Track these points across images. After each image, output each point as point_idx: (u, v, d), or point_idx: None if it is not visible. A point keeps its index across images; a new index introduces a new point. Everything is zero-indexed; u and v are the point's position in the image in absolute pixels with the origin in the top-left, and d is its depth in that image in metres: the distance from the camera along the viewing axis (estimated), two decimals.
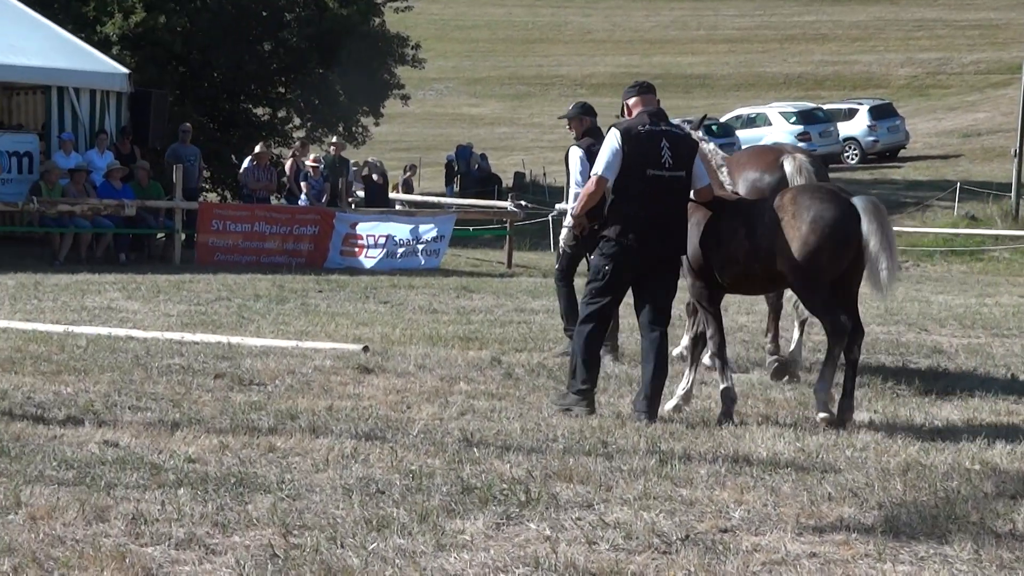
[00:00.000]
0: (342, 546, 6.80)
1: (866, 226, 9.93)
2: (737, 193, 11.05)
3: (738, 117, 53.61)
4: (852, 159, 52.98)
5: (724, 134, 50.88)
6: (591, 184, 10.59)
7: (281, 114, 39.14)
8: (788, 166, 11.87)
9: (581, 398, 10.59)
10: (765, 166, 12.23)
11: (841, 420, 10.21)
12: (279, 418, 9.99)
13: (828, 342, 10.40)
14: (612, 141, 10.46)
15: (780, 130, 51.64)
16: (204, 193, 35.55)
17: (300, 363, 12.58)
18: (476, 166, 50.27)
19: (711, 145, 11.06)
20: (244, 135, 36.44)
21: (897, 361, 13.95)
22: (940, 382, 12.47)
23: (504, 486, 8.00)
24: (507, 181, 49.51)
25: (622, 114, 11.08)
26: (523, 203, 34.69)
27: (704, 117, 12.07)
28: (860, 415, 10.64)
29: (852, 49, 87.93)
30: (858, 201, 10.08)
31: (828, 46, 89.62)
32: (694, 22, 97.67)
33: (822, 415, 10.28)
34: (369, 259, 25.89)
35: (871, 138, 53.02)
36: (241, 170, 29.36)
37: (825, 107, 55.00)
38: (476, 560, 6.64)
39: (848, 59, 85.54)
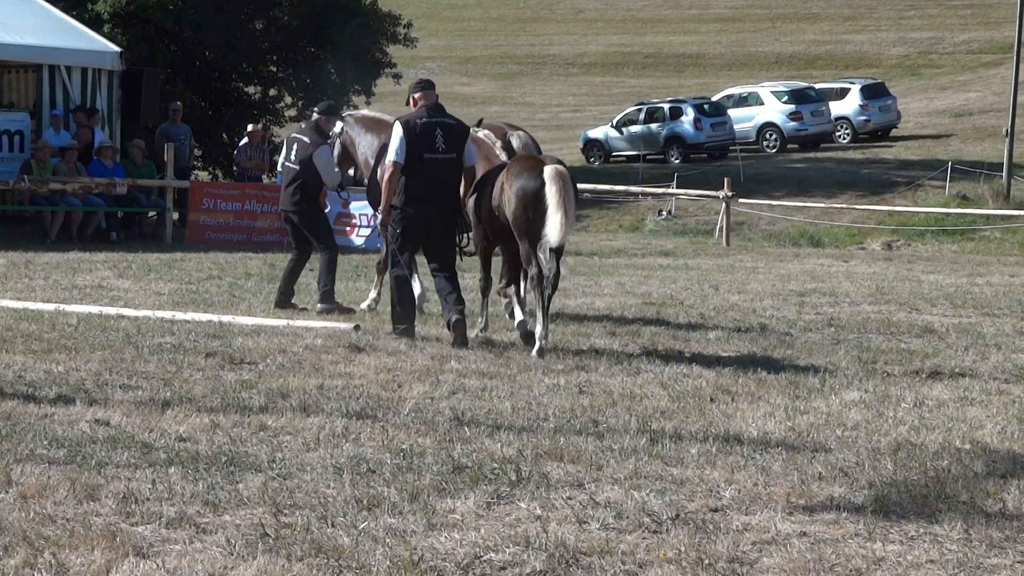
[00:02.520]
0: (333, 525, 6.81)
1: (547, 188, 12.30)
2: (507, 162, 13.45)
3: (730, 96, 53.53)
4: (844, 139, 52.94)
5: (716, 113, 50.88)
6: (389, 168, 12.98)
7: (272, 93, 39.06)
8: (515, 142, 14.32)
9: (406, 335, 13.02)
10: (497, 137, 14.32)
11: (529, 338, 12.68)
12: (270, 397, 9.99)
13: (529, 285, 12.79)
14: (397, 132, 12.98)
15: (772, 109, 51.61)
16: (195, 172, 35.54)
17: (291, 342, 12.58)
18: None
19: (485, 132, 14.23)
20: (235, 114, 36.38)
21: (888, 340, 13.97)
22: (931, 361, 12.49)
23: (495, 465, 8.01)
24: None
25: (409, 105, 13.44)
26: None
27: (480, 120, 15.00)
28: (851, 394, 10.67)
29: (844, 28, 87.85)
30: (546, 170, 12.47)
31: (820, 25, 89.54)
32: (686, 1, 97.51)
33: (537, 341, 12.42)
34: (360, 237, 25.90)
35: (863, 117, 52.96)
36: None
37: (817, 86, 54.91)
38: (467, 539, 6.65)
39: (840, 38, 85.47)
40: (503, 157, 13.74)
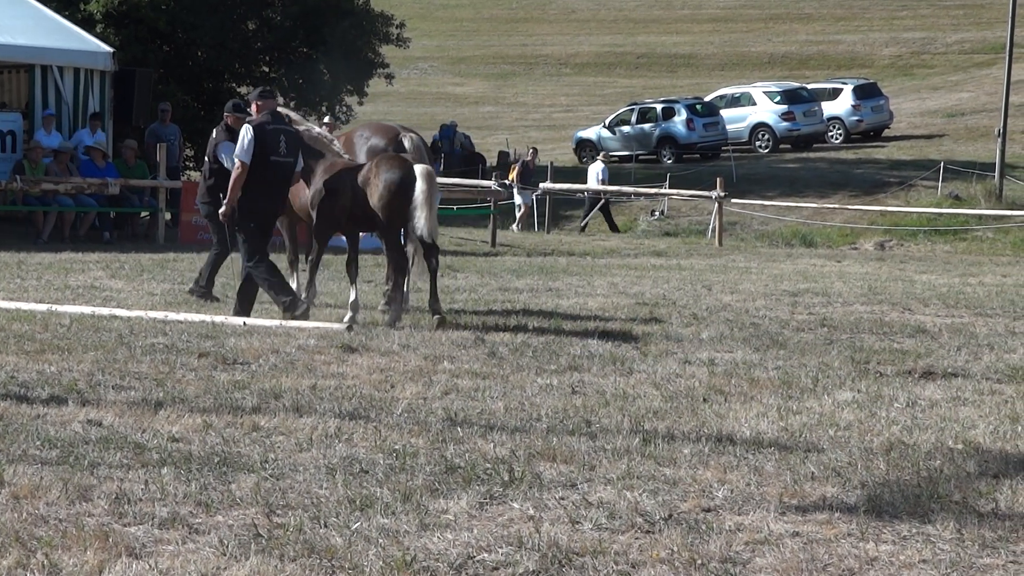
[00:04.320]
0: (325, 525, 6.81)
1: (418, 186, 13.64)
2: (350, 157, 14.83)
3: (722, 96, 53.56)
4: (836, 139, 52.98)
5: (708, 113, 50.91)
6: (237, 168, 14.17)
7: None
8: (407, 143, 15.36)
9: (296, 306, 14.11)
10: (388, 140, 15.49)
11: (393, 320, 14.02)
12: (263, 397, 9.98)
13: (393, 272, 14.50)
14: (247, 135, 14.14)
15: (764, 109, 51.64)
16: (187, 172, 35.52)
17: (284, 342, 12.57)
18: (460, 145, 50.23)
19: (319, 129, 15.20)
20: None
21: (881, 340, 13.97)
22: (923, 362, 12.49)
23: (487, 465, 8.01)
24: (491, 160, 49.50)
25: (256, 112, 14.55)
26: (507, 182, 34.68)
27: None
28: (844, 394, 10.67)
29: (836, 29, 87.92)
30: (416, 168, 13.81)
31: (812, 25, 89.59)
32: (678, 1, 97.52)
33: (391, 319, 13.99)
34: None
35: (855, 118, 53.01)
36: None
37: (809, 86, 54.95)
38: (459, 539, 6.65)
39: (832, 38, 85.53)
40: (336, 150, 14.75)
